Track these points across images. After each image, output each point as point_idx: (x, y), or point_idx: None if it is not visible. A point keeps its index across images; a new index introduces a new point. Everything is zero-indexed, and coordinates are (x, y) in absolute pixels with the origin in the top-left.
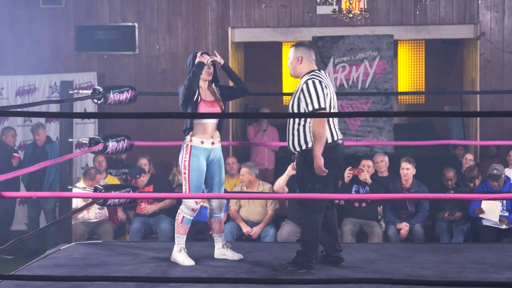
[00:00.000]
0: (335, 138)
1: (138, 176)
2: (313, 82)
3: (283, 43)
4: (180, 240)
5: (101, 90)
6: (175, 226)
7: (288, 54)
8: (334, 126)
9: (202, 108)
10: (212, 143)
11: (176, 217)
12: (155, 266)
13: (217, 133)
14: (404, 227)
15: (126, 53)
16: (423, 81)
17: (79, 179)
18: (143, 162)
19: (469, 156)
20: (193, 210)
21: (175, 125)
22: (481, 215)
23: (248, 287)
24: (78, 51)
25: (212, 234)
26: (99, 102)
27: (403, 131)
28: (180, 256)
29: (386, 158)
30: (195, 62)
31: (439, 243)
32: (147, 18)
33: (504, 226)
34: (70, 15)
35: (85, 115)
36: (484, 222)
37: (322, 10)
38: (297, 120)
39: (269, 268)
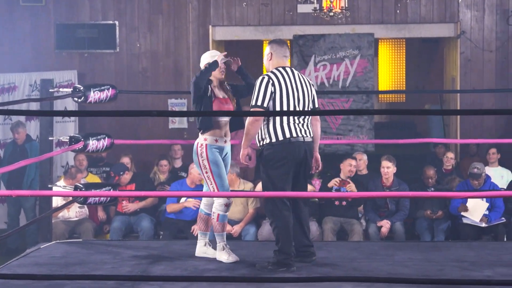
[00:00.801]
0: (288, 136)
1: (121, 173)
2: (261, 80)
3: (264, 42)
4: (220, 238)
5: (82, 88)
6: (213, 226)
7: None
8: (293, 124)
9: (216, 106)
10: (225, 142)
11: (212, 217)
12: (135, 264)
13: (228, 131)
14: (385, 225)
15: (107, 51)
16: (404, 80)
17: (59, 178)
18: (125, 160)
19: (450, 155)
20: (226, 205)
21: (156, 123)
22: (463, 213)
23: (228, 286)
24: (58, 49)
25: (198, 231)
26: (80, 100)
27: (383, 130)
28: (223, 254)
29: (365, 157)
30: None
31: (420, 241)
32: (128, 17)
33: (484, 225)
34: (50, 13)
35: (65, 113)
36: (465, 220)
37: (303, 8)
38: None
39: (250, 266)
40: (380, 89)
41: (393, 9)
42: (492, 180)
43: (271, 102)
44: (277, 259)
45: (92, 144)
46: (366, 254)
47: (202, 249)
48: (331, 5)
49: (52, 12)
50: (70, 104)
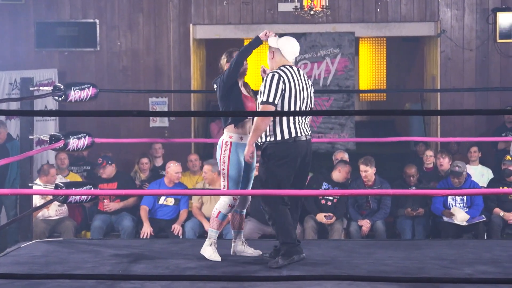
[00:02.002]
0: (293, 135)
1: (110, 162)
2: (272, 76)
3: (245, 40)
4: (212, 234)
5: (62, 87)
6: (210, 220)
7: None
8: (297, 123)
9: (245, 103)
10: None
11: (212, 212)
12: (116, 263)
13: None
14: (366, 223)
15: (87, 49)
16: (384, 79)
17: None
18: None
19: (429, 153)
20: (229, 206)
21: (136, 122)
22: (448, 217)
23: (209, 284)
24: (38, 48)
25: (232, 230)
26: (60, 99)
27: (364, 128)
28: (209, 250)
29: (346, 155)
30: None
31: (400, 239)
32: (108, 15)
33: (464, 223)
34: (30, 11)
35: (46, 113)
36: (445, 219)
37: (284, 7)
38: None
39: (230, 264)
40: (360, 87)
41: (373, 8)
42: (472, 179)
43: (280, 100)
44: (284, 250)
45: (73, 142)
46: (347, 253)
47: (239, 248)
48: (312, 4)
49: (32, 11)
50: (51, 103)
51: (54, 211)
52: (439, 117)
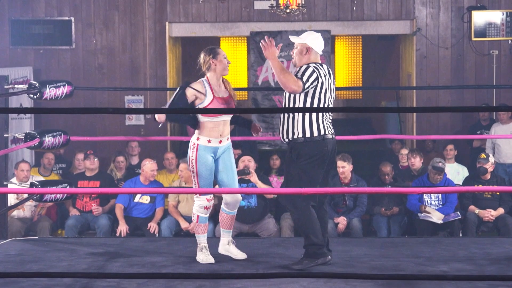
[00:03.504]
0: (322, 133)
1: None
2: (307, 67)
3: (221, 38)
4: (200, 239)
5: (37, 85)
6: (192, 226)
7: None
8: (324, 121)
9: (213, 107)
10: (220, 142)
11: (192, 218)
12: (92, 261)
13: (227, 130)
14: (342, 221)
15: (63, 47)
16: (360, 77)
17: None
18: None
19: (404, 151)
20: (205, 207)
21: (112, 120)
22: (425, 213)
23: (186, 282)
24: (13, 45)
25: (221, 228)
26: (35, 97)
27: (340, 126)
28: (201, 255)
29: None
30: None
31: (376, 237)
32: (84, 13)
33: (440, 221)
34: (5, 8)
35: (21, 111)
36: (421, 217)
37: (260, 5)
38: None
39: (207, 263)
40: (336, 86)
41: (349, 6)
42: (448, 176)
43: (311, 90)
44: (310, 252)
45: (48, 140)
46: None
47: (225, 247)
48: (288, 2)
49: (7, 8)
50: (26, 101)
51: (30, 212)
52: (414, 115)
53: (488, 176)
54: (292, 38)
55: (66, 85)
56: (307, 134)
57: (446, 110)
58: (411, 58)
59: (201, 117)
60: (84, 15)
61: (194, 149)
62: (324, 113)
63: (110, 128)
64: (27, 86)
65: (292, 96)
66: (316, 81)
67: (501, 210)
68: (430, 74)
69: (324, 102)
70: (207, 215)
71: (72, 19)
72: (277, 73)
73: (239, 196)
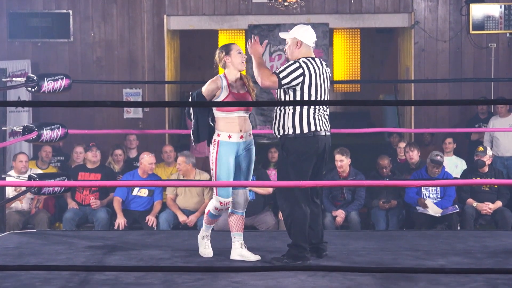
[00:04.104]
0: (313, 129)
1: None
2: (292, 63)
3: (219, 31)
4: (204, 228)
5: (35, 78)
6: (204, 215)
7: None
8: (317, 117)
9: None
10: (241, 137)
11: (206, 208)
12: (90, 254)
13: (248, 125)
14: (340, 214)
15: (61, 40)
16: (359, 70)
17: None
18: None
19: (402, 144)
20: (216, 209)
21: (111, 113)
22: (423, 208)
23: (184, 276)
24: (11, 38)
25: (231, 232)
26: (33, 90)
27: (338, 119)
28: (201, 244)
29: None
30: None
31: (375, 230)
32: (82, 6)
33: (438, 214)
34: (3, 1)
35: (19, 104)
36: (419, 210)
37: None
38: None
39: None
40: (335, 79)
41: None
42: (446, 170)
43: (298, 86)
44: (293, 252)
45: (46, 134)
46: None
47: (237, 251)
48: None
49: (5, 1)
50: (24, 94)
51: (28, 204)
52: (412, 108)
53: (486, 169)
54: (282, 35)
55: (64, 78)
56: (297, 131)
57: (444, 103)
58: (409, 51)
59: (217, 112)
60: (82, 8)
61: (215, 146)
62: (318, 109)
63: (108, 121)
64: (25, 79)
65: (282, 92)
66: (302, 77)
67: (499, 203)
68: (428, 67)
69: (316, 97)
70: (217, 215)
71: (70, 12)
72: (254, 68)
73: (241, 195)
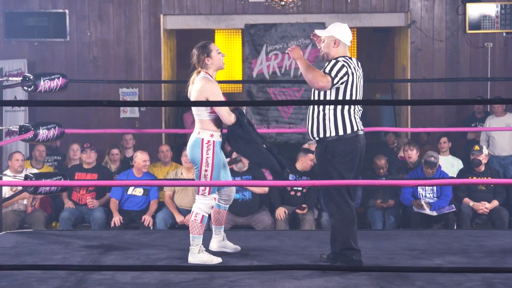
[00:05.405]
0: (355, 129)
1: (93, 148)
2: (336, 62)
3: (216, 31)
4: (198, 241)
5: (32, 77)
6: (192, 227)
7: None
8: (356, 117)
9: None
10: (220, 136)
11: (194, 218)
12: (86, 254)
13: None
14: None
15: (57, 40)
16: None
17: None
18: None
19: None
20: (212, 207)
21: (107, 113)
22: (417, 208)
23: (180, 275)
24: (7, 38)
25: (214, 225)
26: (30, 89)
27: None
28: (204, 256)
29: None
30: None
31: (371, 229)
32: (78, 5)
33: (434, 214)
34: None
35: (15, 103)
36: (415, 210)
37: None
38: (317, 107)
39: None
40: None
41: None
42: (442, 169)
43: (342, 86)
44: (347, 256)
45: (43, 133)
46: (318, 243)
47: (221, 244)
48: None
49: (1, 0)
50: (20, 94)
51: (23, 204)
52: (409, 108)
53: (482, 168)
54: (319, 32)
55: (61, 77)
56: (340, 132)
57: (441, 102)
58: (406, 50)
59: (210, 115)
60: (78, 8)
61: (210, 147)
62: (355, 108)
63: (104, 120)
64: (21, 78)
65: (322, 93)
66: (346, 76)
67: (495, 203)
68: (424, 66)
69: (356, 97)
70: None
71: (67, 11)
72: (304, 71)
73: (234, 190)
